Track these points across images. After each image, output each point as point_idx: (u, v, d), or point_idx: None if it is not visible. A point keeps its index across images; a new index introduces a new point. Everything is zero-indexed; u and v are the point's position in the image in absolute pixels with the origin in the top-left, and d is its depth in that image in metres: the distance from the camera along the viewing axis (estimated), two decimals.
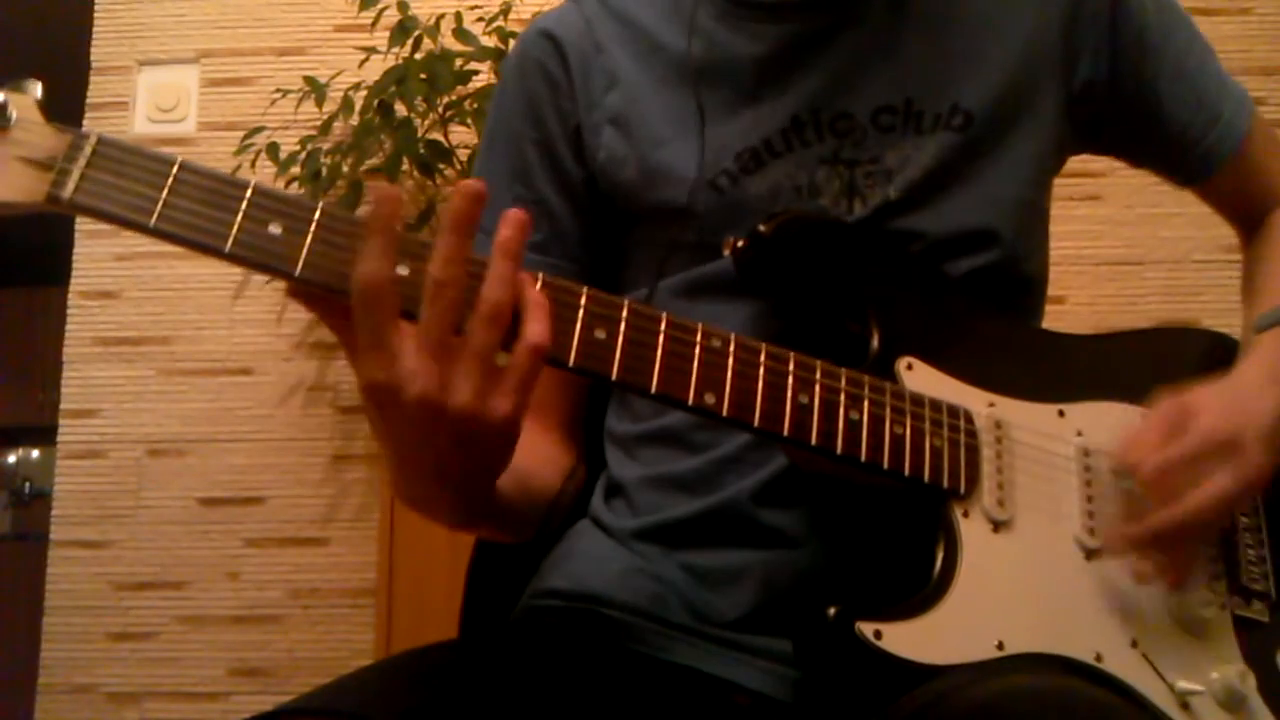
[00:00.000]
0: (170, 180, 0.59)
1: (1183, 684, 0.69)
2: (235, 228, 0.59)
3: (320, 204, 0.61)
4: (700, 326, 0.66)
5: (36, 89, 0.61)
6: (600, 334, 0.63)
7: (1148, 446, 0.72)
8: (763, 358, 0.67)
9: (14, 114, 0.59)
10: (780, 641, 0.73)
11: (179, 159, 0.60)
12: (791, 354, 0.68)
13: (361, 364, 0.58)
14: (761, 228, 0.74)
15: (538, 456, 0.82)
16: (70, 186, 0.58)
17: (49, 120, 0.60)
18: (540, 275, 0.63)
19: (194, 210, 0.59)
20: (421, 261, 0.59)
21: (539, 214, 0.86)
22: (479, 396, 0.58)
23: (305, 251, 0.60)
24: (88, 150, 0.59)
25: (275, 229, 0.60)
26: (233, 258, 0.59)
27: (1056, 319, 0.86)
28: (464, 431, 0.59)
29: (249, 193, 0.60)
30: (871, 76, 0.82)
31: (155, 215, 0.59)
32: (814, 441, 0.67)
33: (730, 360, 0.66)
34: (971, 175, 0.81)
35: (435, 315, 0.58)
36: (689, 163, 0.81)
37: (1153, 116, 0.87)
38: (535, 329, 0.59)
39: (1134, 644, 0.70)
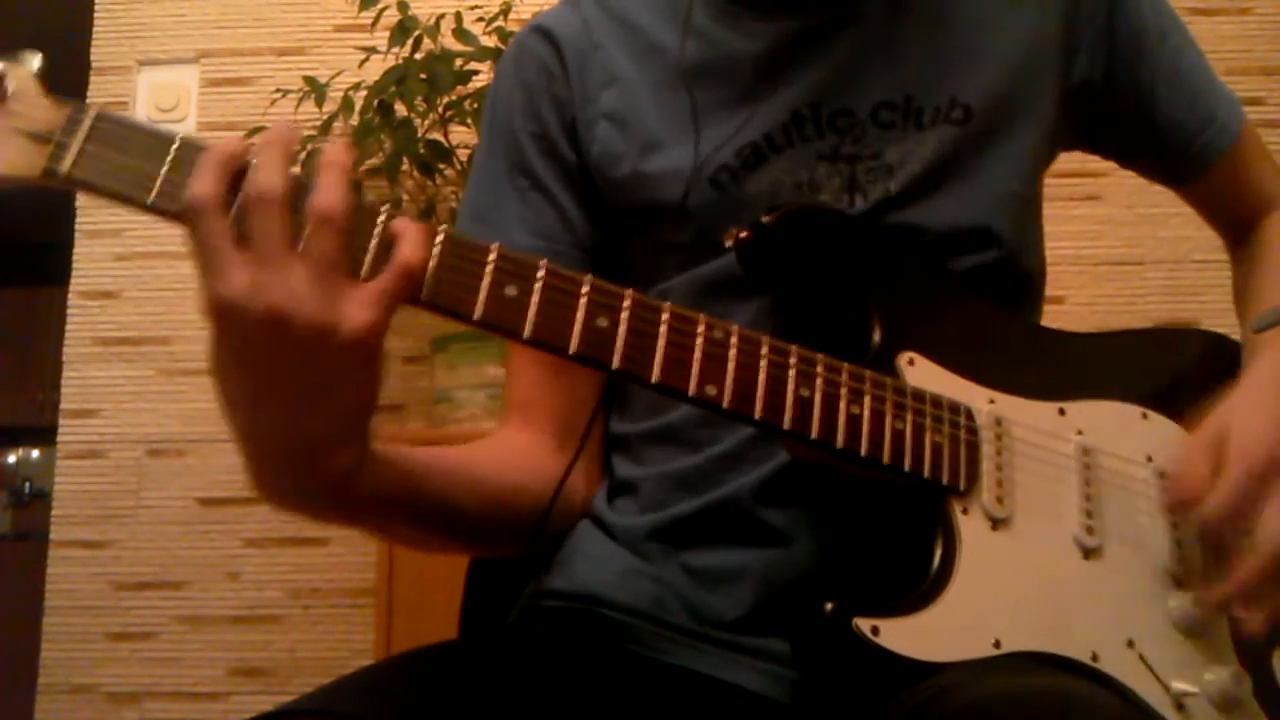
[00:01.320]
0: (170, 157, 0.59)
1: (1178, 685, 0.69)
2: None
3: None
4: (702, 317, 0.66)
5: (35, 61, 0.60)
6: (602, 322, 0.63)
7: (1196, 483, 0.71)
8: (765, 350, 0.67)
9: (11, 85, 0.58)
10: (779, 643, 0.73)
11: (179, 134, 0.60)
12: (793, 347, 0.68)
13: (202, 290, 0.57)
14: (764, 218, 0.74)
15: (502, 459, 0.81)
16: (68, 161, 0.58)
17: (48, 93, 0.59)
18: (543, 261, 0.63)
19: None
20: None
21: (543, 203, 0.86)
22: (329, 306, 0.57)
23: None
24: (87, 124, 0.58)
25: None
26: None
27: (1056, 319, 0.86)
28: (313, 346, 0.57)
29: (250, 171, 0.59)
30: (871, 72, 0.82)
31: (154, 191, 0.58)
32: (815, 435, 0.66)
33: (732, 352, 0.66)
34: (970, 169, 0.81)
35: (260, 224, 0.57)
36: (684, 162, 0.81)
37: (1147, 116, 0.88)
38: (407, 250, 0.59)
39: (1130, 644, 0.70)
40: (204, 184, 0.57)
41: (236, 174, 0.58)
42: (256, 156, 0.58)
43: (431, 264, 0.61)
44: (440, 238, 0.61)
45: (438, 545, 0.78)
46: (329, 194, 0.58)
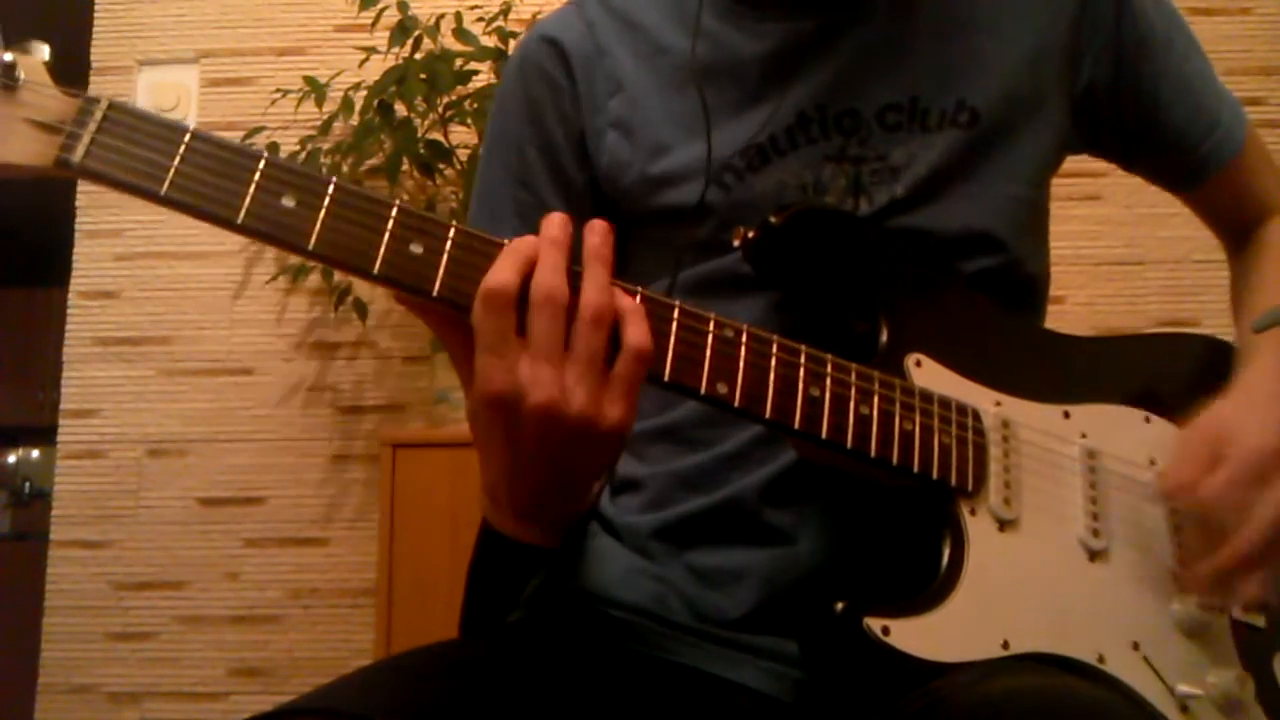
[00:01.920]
0: (182, 148, 0.58)
1: (1182, 687, 0.69)
2: (248, 199, 0.58)
3: (334, 179, 0.61)
4: (713, 316, 0.66)
5: (44, 51, 0.60)
6: None
7: (1194, 475, 0.71)
8: (774, 349, 0.67)
9: (22, 75, 0.58)
10: (783, 641, 0.73)
11: (191, 127, 0.60)
12: (803, 347, 0.68)
13: (482, 372, 0.60)
14: (773, 218, 0.74)
15: None
16: (80, 151, 0.57)
17: (58, 83, 0.59)
18: (640, 290, 0.64)
19: (206, 180, 0.58)
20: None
21: (539, 218, 0.86)
22: (594, 401, 0.60)
23: (319, 225, 0.59)
24: (98, 115, 0.58)
25: (289, 201, 0.59)
26: (245, 229, 0.59)
27: (1056, 319, 0.86)
28: (579, 437, 0.60)
29: (261, 164, 0.59)
30: (878, 74, 0.82)
31: (166, 183, 0.58)
32: (824, 435, 0.66)
33: (743, 351, 0.65)
34: (977, 173, 0.81)
35: (544, 324, 0.59)
36: (696, 164, 0.81)
37: (1152, 120, 0.88)
38: (637, 334, 0.61)
39: (1135, 646, 0.70)
40: (505, 275, 0.59)
41: (529, 265, 0.60)
42: (542, 254, 0.61)
43: (443, 259, 0.61)
44: (452, 231, 0.62)
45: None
46: (599, 295, 0.61)
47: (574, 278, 0.61)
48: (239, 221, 0.58)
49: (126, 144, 0.58)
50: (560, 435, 0.60)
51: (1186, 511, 0.74)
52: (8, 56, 0.58)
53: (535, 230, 0.86)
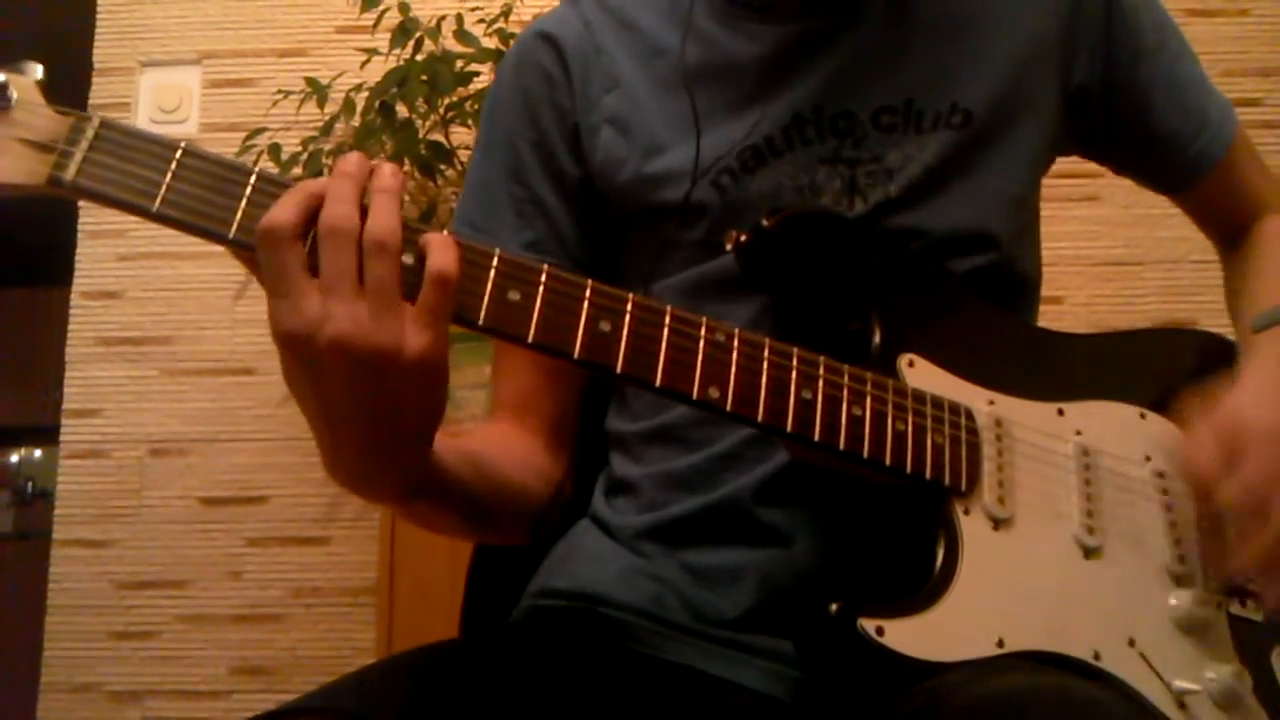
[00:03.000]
0: (174, 165, 0.59)
1: (1179, 683, 0.70)
2: (239, 214, 0.59)
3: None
4: (704, 320, 0.66)
5: (37, 71, 0.61)
6: (605, 326, 0.63)
7: (1210, 472, 0.71)
8: (766, 352, 0.67)
9: (14, 95, 0.59)
10: (780, 641, 0.73)
11: (182, 143, 0.60)
12: (795, 349, 0.68)
13: (271, 315, 0.58)
14: (765, 222, 0.74)
15: (509, 452, 0.81)
16: (72, 169, 0.58)
17: (51, 102, 0.60)
18: (546, 267, 0.63)
19: (197, 195, 0.59)
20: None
21: (535, 213, 0.86)
22: (391, 333, 0.58)
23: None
24: (90, 133, 0.59)
25: None
26: (237, 244, 0.59)
27: (1054, 319, 0.86)
28: (383, 373, 0.58)
29: (253, 178, 0.60)
30: (872, 77, 0.82)
31: (158, 200, 0.59)
32: (817, 437, 0.67)
33: (734, 355, 0.66)
34: (971, 173, 0.81)
35: (330, 255, 0.58)
36: (686, 163, 0.81)
37: (1143, 122, 0.88)
38: (437, 259, 0.59)
39: (1131, 643, 0.70)
40: (286, 213, 0.58)
41: (315, 205, 0.58)
42: (330, 187, 0.59)
43: None
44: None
45: (453, 530, 0.79)
46: (384, 222, 0.59)
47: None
48: (231, 236, 0.59)
49: (118, 161, 0.59)
50: (362, 372, 0.58)
51: (1187, 510, 0.74)
52: (0, 77, 0.58)
53: (530, 227, 0.86)
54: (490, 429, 0.86)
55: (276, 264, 0.57)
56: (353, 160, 0.60)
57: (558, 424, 0.87)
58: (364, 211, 0.59)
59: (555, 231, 0.86)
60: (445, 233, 0.61)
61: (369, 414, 0.60)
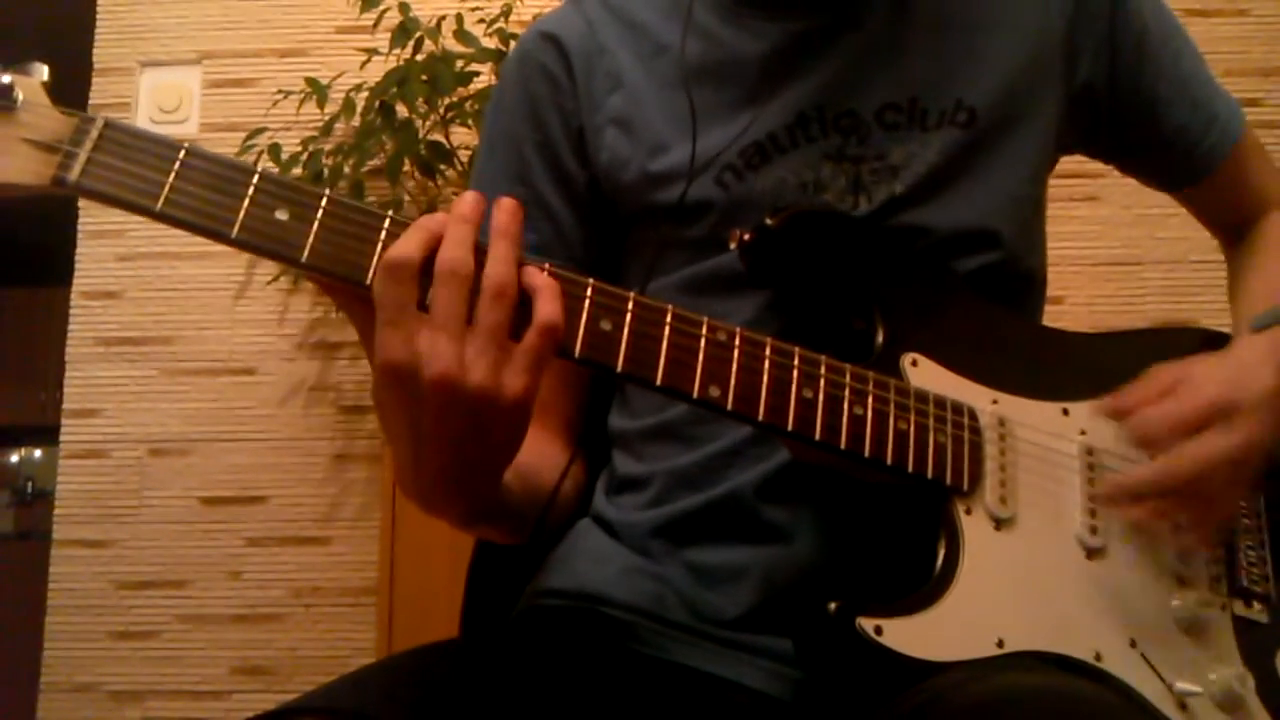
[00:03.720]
0: (177, 165, 0.59)
1: (1181, 684, 0.69)
2: (242, 213, 0.59)
3: (327, 191, 0.61)
4: (705, 320, 0.66)
5: (43, 71, 0.61)
6: (606, 325, 0.63)
7: (1148, 414, 0.73)
8: (768, 352, 0.67)
9: (20, 95, 0.59)
10: (781, 641, 0.73)
11: (186, 144, 0.60)
12: (796, 348, 0.68)
13: (381, 344, 0.59)
14: (769, 220, 0.74)
15: (544, 458, 0.82)
16: (76, 169, 0.58)
17: (56, 103, 0.60)
18: (547, 264, 0.63)
19: (200, 195, 0.59)
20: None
21: (539, 215, 0.86)
22: (494, 375, 0.59)
23: (312, 238, 0.60)
24: (94, 134, 0.59)
25: (282, 215, 0.60)
26: (239, 243, 0.60)
27: (1055, 319, 0.86)
28: (479, 411, 0.60)
29: (255, 179, 0.60)
30: (876, 75, 0.82)
31: (161, 199, 0.59)
32: (818, 436, 0.67)
33: (735, 354, 0.66)
34: (975, 171, 0.81)
35: (445, 296, 0.59)
36: (688, 162, 0.81)
37: (1150, 119, 0.88)
38: (546, 309, 0.61)
39: (1133, 644, 0.70)
40: (410, 249, 0.59)
41: (436, 243, 0.60)
42: (449, 229, 0.60)
43: None
44: None
45: (497, 540, 0.80)
46: (503, 269, 0.60)
47: (483, 254, 0.60)
48: (233, 236, 0.59)
49: (122, 161, 0.59)
50: (460, 409, 0.59)
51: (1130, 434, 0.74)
52: (6, 78, 0.59)
53: (535, 227, 0.86)
54: (535, 447, 0.87)
55: (395, 297, 0.59)
56: (469, 202, 0.62)
57: (573, 421, 0.88)
58: (478, 248, 0.60)
59: (559, 233, 0.86)
60: (545, 271, 0.62)
61: (455, 446, 0.62)
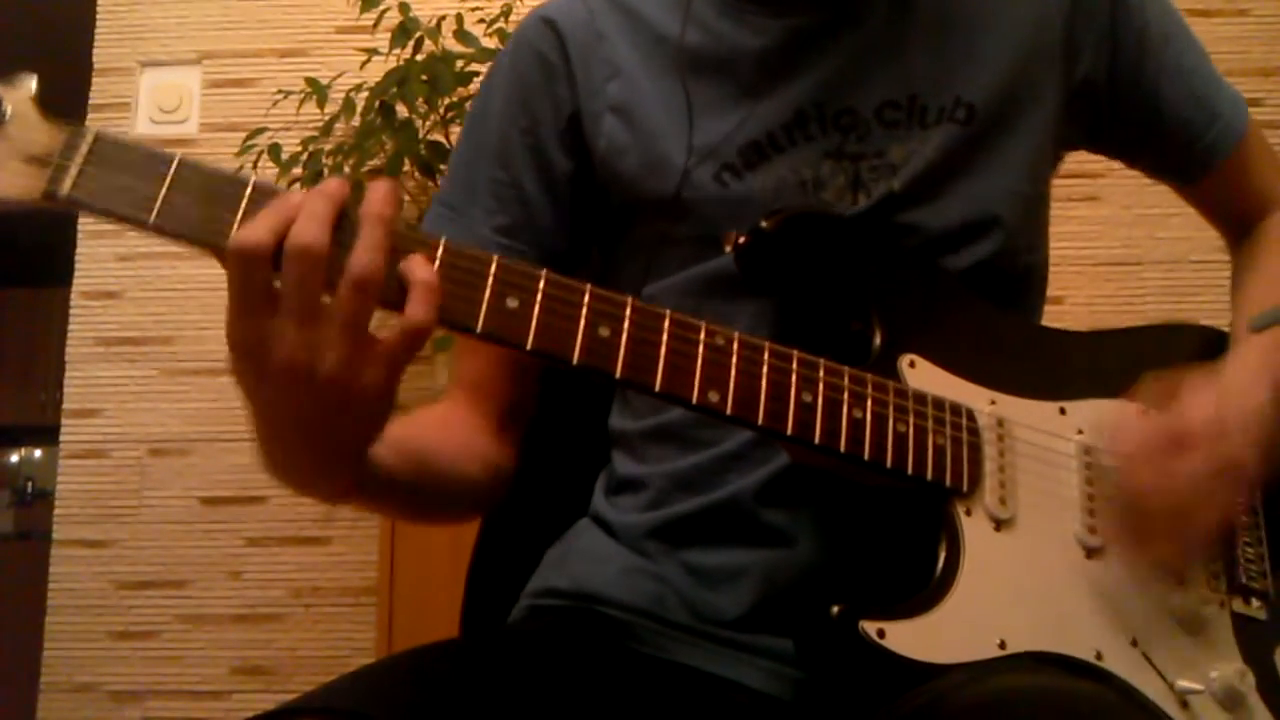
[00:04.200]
0: (169, 177, 0.59)
1: (1182, 682, 0.69)
2: (235, 225, 0.59)
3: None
4: (703, 324, 0.66)
5: (31, 83, 0.60)
6: (604, 332, 0.63)
7: (1134, 433, 0.72)
8: (766, 356, 0.67)
9: (9, 109, 0.58)
10: (781, 641, 0.73)
11: (178, 156, 0.60)
12: (795, 352, 0.68)
13: (228, 324, 0.58)
14: (764, 223, 0.73)
15: (450, 440, 0.81)
16: (67, 183, 0.58)
17: (45, 115, 0.59)
18: (544, 272, 0.63)
19: (193, 207, 0.59)
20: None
21: (513, 198, 0.86)
22: (347, 365, 0.57)
23: None
24: (84, 147, 0.58)
25: None
26: None
27: (1055, 319, 0.86)
28: (331, 399, 0.58)
29: (248, 190, 0.59)
30: (875, 72, 0.82)
31: (154, 212, 0.58)
32: (817, 440, 0.67)
33: (734, 358, 0.66)
34: (974, 168, 0.81)
35: (294, 278, 0.57)
36: (683, 155, 0.81)
37: (1153, 113, 0.88)
38: (414, 309, 0.58)
39: (1134, 642, 0.70)
40: (258, 231, 0.57)
41: (288, 223, 0.57)
42: (305, 206, 0.58)
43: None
44: (440, 251, 0.61)
45: (390, 515, 0.79)
46: (369, 258, 0.57)
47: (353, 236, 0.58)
48: (228, 249, 0.59)
49: (114, 174, 0.58)
50: (309, 398, 0.57)
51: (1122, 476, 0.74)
52: None
53: (505, 213, 0.86)
54: (432, 414, 0.85)
55: (241, 281, 0.57)
56: (333, 183, 0.59)
57: (511, 408, 0.86)
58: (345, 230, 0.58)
59: (530, 219, 0.85)
60: (432, 271, 0.59)
61: (304, 428, 0.60)
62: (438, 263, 0.60)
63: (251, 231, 0.57)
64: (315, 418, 0.59)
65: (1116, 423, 0.74)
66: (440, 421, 0.84)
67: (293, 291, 0.57)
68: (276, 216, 0.57)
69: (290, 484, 0.66)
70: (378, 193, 0.59)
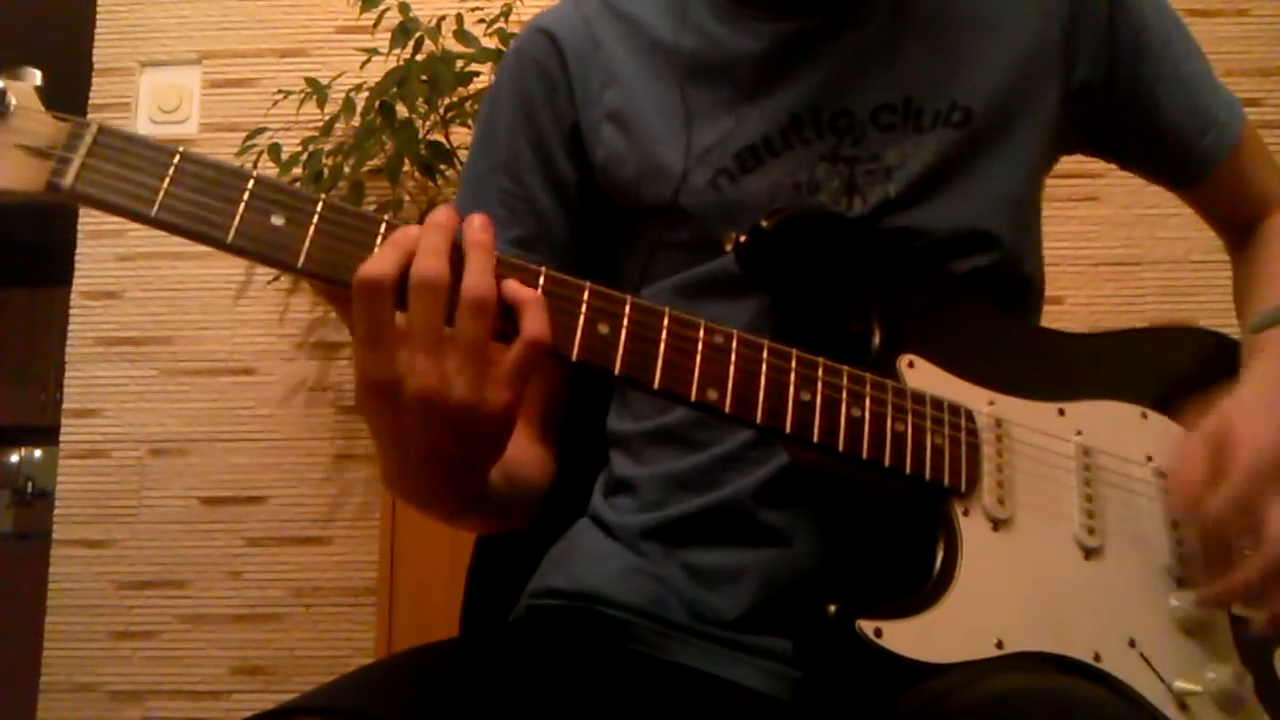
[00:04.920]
0: (172, 170, 0.59)
1: (1180, 684, 0.69)
2: (237, 218, 0.59)
3: (322, 196, 0.61)
4: (702, 323, 0.66)
5: (35, 77, 0.61)
6: (603, 329, 0.63)
7: (1197, 485, 0.71)
8: (765, 354, 0.67)
9: (13, 102, 0.59)
10: (780, 641, 0.73)
11: (180, 149, 0.60)
12: (794, 351, 0.68)
13: (360, 361, 0.60)
14: (764, 222, 0.74)
15: (524, 452, 0.82)
16: (71, 175, 0.58)
17: (49, 109, 0.60)
18: (544, 269, 0.63)
19: (195, 200, 0.59)
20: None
21: (525, 211, 0.86)
22: (475, 389, 0.59)
23: (307, 243, 0.60)
24: (88, 139, 0.59)
25: (278, 220, 0.60)
26: (235, 249, 0.59)
27: (1054, 319, 0.86)
28: (462, 423, 0.60)
29: (251, 184, 0.60)
30: (871, 75, 0.82)
31: (156, 205, 0.59)
32: (816, 439, 0.67)
33: (733, 357, 0.66)
34: (970, 172, 0.81)
35: (421, 309, 0.59)
36: (681, 160, 0.81)
37: (1150, 118, 0.88)
38: (532, 324, 0.60)
39: (1132, 644, 0.70)
40: (384, 264, 0.58)
41: (409, 256, 0.59)
42: (422, 239, 0.60)
43: None
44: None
45: (478, 531, 0.82)
46: (482, 280, 0.60)
47: (462, 266, 0.60)
48: (229, 241, 0.59)
49: (116, 167, 0.59)
50: (442, 422, 0.60)
51: (1189, 518, 0.74)
52: None
53: (521, 222, 0.86)
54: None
55: (372, 315, 0.59)
56: (443, 213, 0.61)
57: (550, 416, 0.87)
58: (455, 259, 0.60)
59: (544, 230, 0.86)
60: (540, 276, 0.62)
61: (439, 453, 0.62)
62: (541, 279, 0.62)
63: (379, 264, 0.58)
64: (447, 442, 0.61)
65: (1176, 479, 0.73)
66: (516, 452, 0.86)
67: (419, 322, 0.59)
68: (397, 248, 0.59)
69: (413, 502, 0.69)
70: (477, 222, 0.62)
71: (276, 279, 2.19)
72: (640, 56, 0.85)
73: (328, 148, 2.03)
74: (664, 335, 0.64)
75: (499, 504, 0.74)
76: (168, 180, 0.59)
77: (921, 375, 0.73)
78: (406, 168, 1.99)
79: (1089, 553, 0.73)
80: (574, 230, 0.87)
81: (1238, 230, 0.94)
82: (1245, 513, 0.69)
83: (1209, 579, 0.73)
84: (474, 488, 0.68)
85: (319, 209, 0.61)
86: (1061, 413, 0.77)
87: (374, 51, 2.01)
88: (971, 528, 0.70)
